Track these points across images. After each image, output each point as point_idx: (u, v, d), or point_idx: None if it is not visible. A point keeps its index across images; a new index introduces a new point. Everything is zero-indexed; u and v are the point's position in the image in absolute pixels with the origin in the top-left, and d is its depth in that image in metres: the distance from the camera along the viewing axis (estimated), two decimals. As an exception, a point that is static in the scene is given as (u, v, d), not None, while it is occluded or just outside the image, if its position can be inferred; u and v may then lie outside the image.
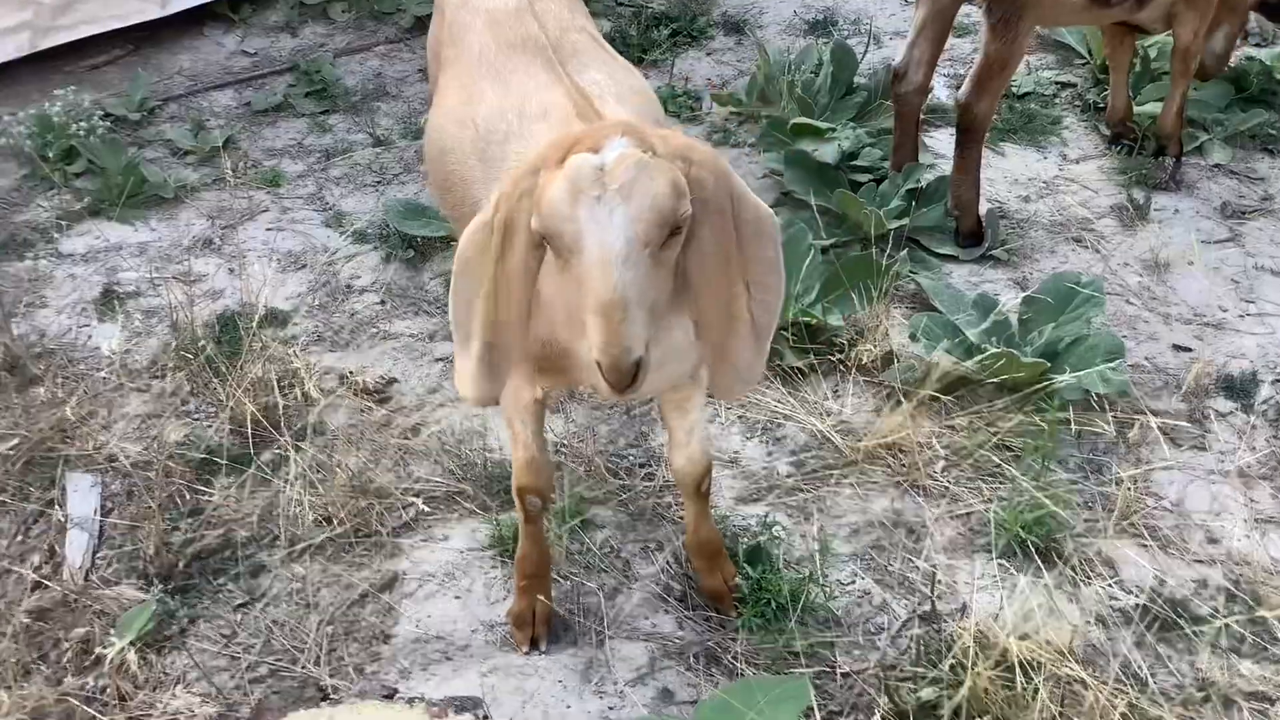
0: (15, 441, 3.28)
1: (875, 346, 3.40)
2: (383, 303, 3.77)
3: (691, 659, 2.66)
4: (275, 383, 3.34)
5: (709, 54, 5.15)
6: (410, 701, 2.18)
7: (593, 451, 3.19)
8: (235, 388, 3.29)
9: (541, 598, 2.67)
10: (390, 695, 2.21)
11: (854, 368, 3.39)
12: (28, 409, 3.37)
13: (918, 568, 2.87)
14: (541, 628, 2.67)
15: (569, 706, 2.55)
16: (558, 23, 2.62)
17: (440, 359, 3.52)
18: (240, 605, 2.83)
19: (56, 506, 3.09)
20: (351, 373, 3.43)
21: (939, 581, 2.82)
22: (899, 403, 3.24)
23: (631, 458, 3.19)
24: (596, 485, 3.08)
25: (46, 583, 2.88)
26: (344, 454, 3.17)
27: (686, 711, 2.53)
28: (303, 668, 2.66)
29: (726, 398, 2.98)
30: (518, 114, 2.38)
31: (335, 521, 2.98)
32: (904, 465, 3.12)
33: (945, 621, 2.72)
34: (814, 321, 3.43)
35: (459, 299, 2.07)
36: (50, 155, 4.37)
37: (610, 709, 2.55)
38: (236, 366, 3.38)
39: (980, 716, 2.43)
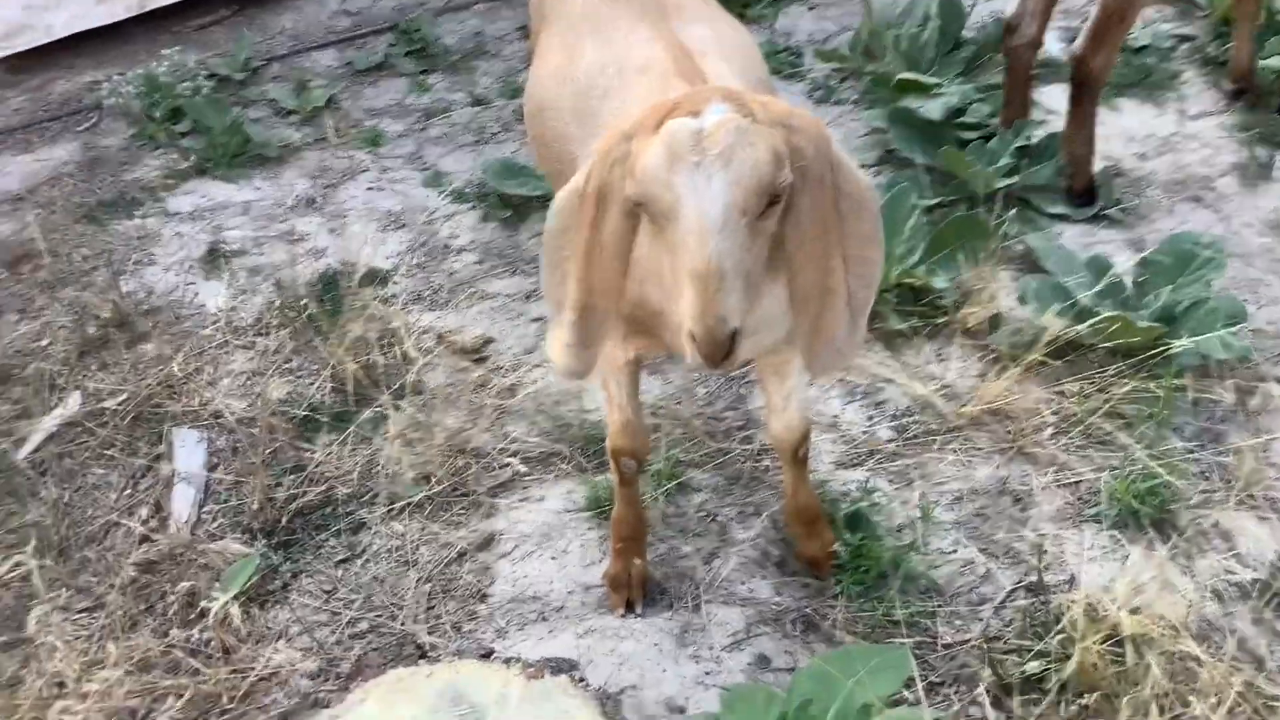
0: (124, 397, 3.36)
1: (981, 309, 3.30)
2: (480, 262, 3.77)
3: (789, 625, 2.62)
4: (375, 342, 3.37)
5: (811, 8, 5.04)
6: (507, 662, 2.18)
7: (690, 413, 3.15)
8: (336, 347, 3.32)
9: (637, 560, 2.65)
10: (487, 655, 2.22)
11: (959, 331, 3.29)
12: (136, 365, 3.45)
13: (1024, 537, 2.79)
14: (637, 591, 2.66)
15: (664, 670, 2.53)
16: None
17: (536, 319, 3.51)
18: (341, 561, 2.86)
19: (163, 461, 3.16)
20: (449, 332, 3.44)
21: (1046, 552, 2.74)
22: (1006, 367, 3.15)
23: (729, 420, 3.15)
24: (694, 448, 3.05)
25: (153, 536, 2.95)
26: (442, 413, 3.18)
27: (783, 679, 2.50)
28: (402, 624, 2.68)
29: (821, 374, 2.89)
30: (617, 69, 2.33)
31: (433, 480, 3.00)
32: (1010, 432, 3.03)
33: (1052, 593, 2.64)
34: (918, 283, 3.35)
35: (551, 269, 2.03)
36: (157, 115, 4.46)
37: (706, 674, 2.53)
38: (338, 325, 3.41)
39: (1088, 692, 2.36)
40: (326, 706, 2.14)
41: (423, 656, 2.24)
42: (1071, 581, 2.67)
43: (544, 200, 3.85)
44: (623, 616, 2.65)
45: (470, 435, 3.13)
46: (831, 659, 2.28)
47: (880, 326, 3.31)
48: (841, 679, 2.21)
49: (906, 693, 2.39)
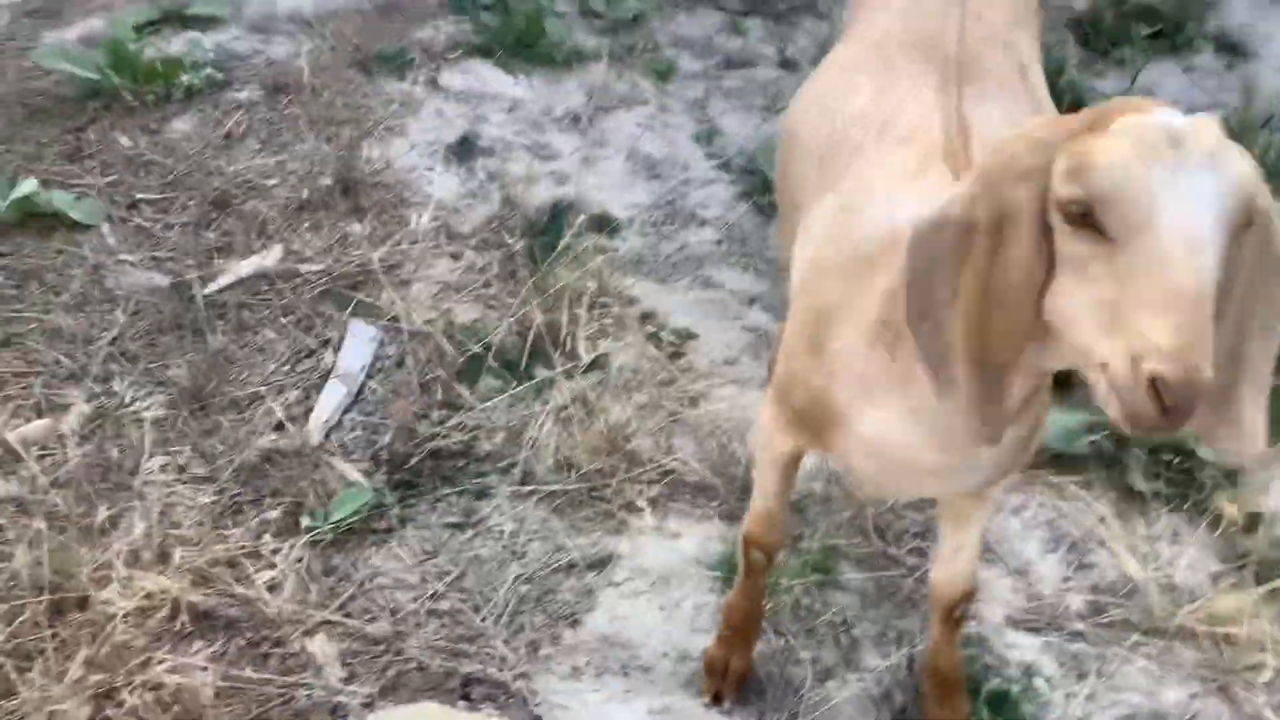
0: (321, 267, 3.25)
1: (1246, 499, 2.79)
2: (719, 243, 3.46)
3: (882, 794, 2.29)
4: (576, 298, 3.12)
5: (1186, 70, 4.39)
6: (547, 739, 1.96)
7: (865, 500, 2.79)
8: (535, 291, 3.10)
9: (741, 655, 2.36)
10: (532, 721, 2.00)
11: (1211, 517, 2.79)
12: (344, 238, 3.33)
13: (1192, 794, 2.35)
14: (731, 685, 2.37)
15: (725, 791, 2.25)
16: (984, 31, 2.13)
17: (750, 329, 3.19)
18: (452, 525, 2.68)
19: (330, 349, 3.04)
20: (655, 314, 3.17)
21: (1212, 821, 2.30)
22: (1249, 582, 2.65)
23: (907, 521, 2.77)
24: (855, 542, 2.70)
25: (288, 426, 2.84)
26: (613, 399, 2.93)
27: None
28: (483, 619, 2.49)
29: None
30: (880, 127, 1.96)
31: (574, 471, 2.76)
32: (1223, 660, 2.55)
33: None
34: (1180, 442, 2.85)
35: (921, 319, 1.59)
36: (466, -21, 4.29)
37: (768, 812, 2.23)
38: (547, 266, 3.19)
39: None
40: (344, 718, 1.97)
41: (465, 698, 2.04)
42: None
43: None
44: (707, 706, 2.37)
45: (633, 433, 2.87)
46: None
47: (1121, 480, 2.84)
48: None
49: None
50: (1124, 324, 1.35)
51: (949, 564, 2.18)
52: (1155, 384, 1.32)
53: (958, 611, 2.24)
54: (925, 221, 1.55)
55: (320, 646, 2.29)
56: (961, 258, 1.51)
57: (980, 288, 1.50)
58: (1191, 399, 1.31)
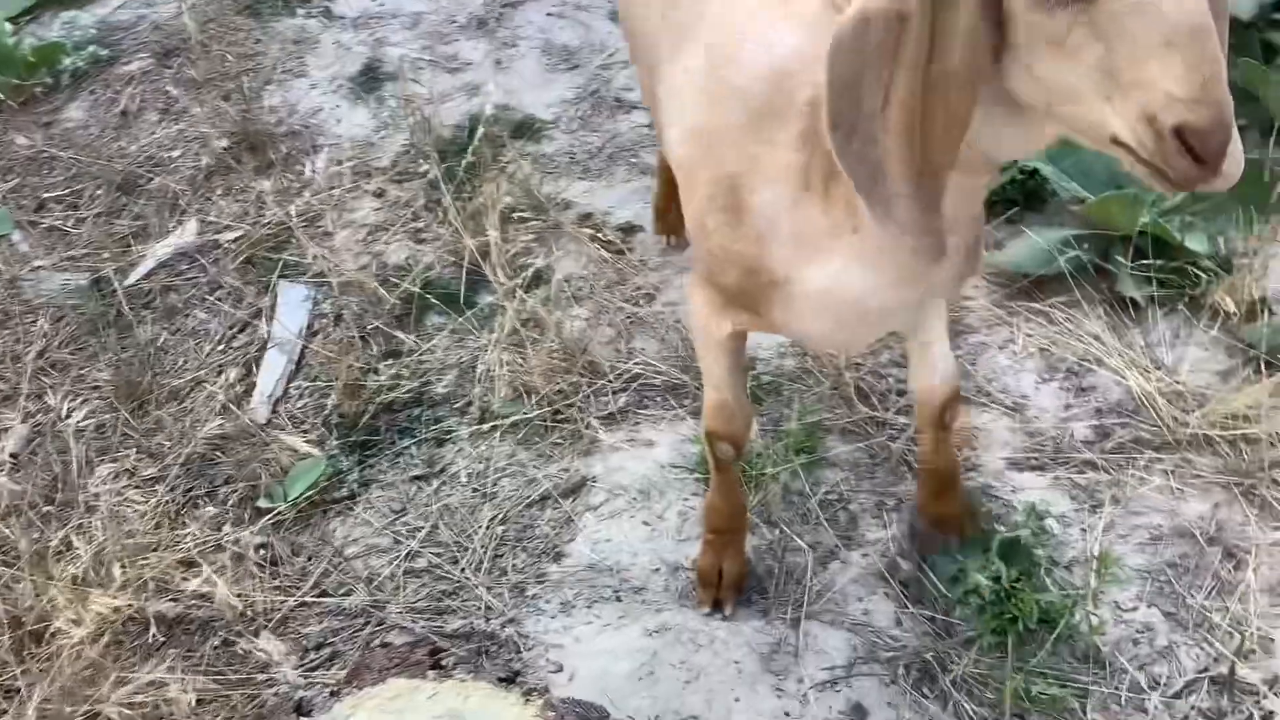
0: (240, 234, 3.08)
1: (1244, 289, 2.60)
2: (650, 125, 3.25)
3: (900, 670, 2.15)
4: (508, 213, 2.94)
5: None
6: (527, 695, 1.83)
7: (845, 362, 2.63)
8: (462, 213, 2.92)
9: (732, 557, 2.22)
10: (510, 679, 1.87)
11: (1210, 313, 2.61)
12: (259, 198, 3.15)
13: (1226, 608, 2.21)
14: (729, 591, 2.23)
15: (737, 699, 2.12)
16: None
17: (698, 209, 3.00)
18: (417, 478, 2.54)
19: (264, 319, 2.88)
20: (593, 215, 2.98)
21: (1250, 634, 2.16)
22: (1259, 371, 2.48)
23: (891, 380, 2.61)
24: (840, 410, 2.54)
25: (232, 408, 2.70)
26: (562, 313, 2.76)
27: (877, 741, 2.06)
28: (462, 571, 2.36)
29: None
30: None
31: (534, 397, 2.61)
32: (1244, 463, 2.39)
33: (1245, 695, 2.08)
34: (1166, 238, 2.66)
35: (847, 136, 1.41)
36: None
37: (786, 714, 2.10)
38: (474, 184, 3.00)
39: None
40: (308, 715, 1.85)
41: (435, 666, 1.92)
42: (1274, 684, 2.09)
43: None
44: (707, 616, 2.24)
45: (589, 344, 2.71)
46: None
47: (1108, 288, 2.66)
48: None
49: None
50: (1126, 84, 1.22)
51: (924, 368, 2.11)
52: (1181, 135, 1.19)
53: (947, 416, 2.16)
54: (843, 29, 1.35)
55: (270, 643, 2.16)
56: (890, 55, 1.34)
57: (916, 82, 1.34)
58: (1224, 137, 1.20)
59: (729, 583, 2.23)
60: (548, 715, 1.80)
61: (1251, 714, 2.04)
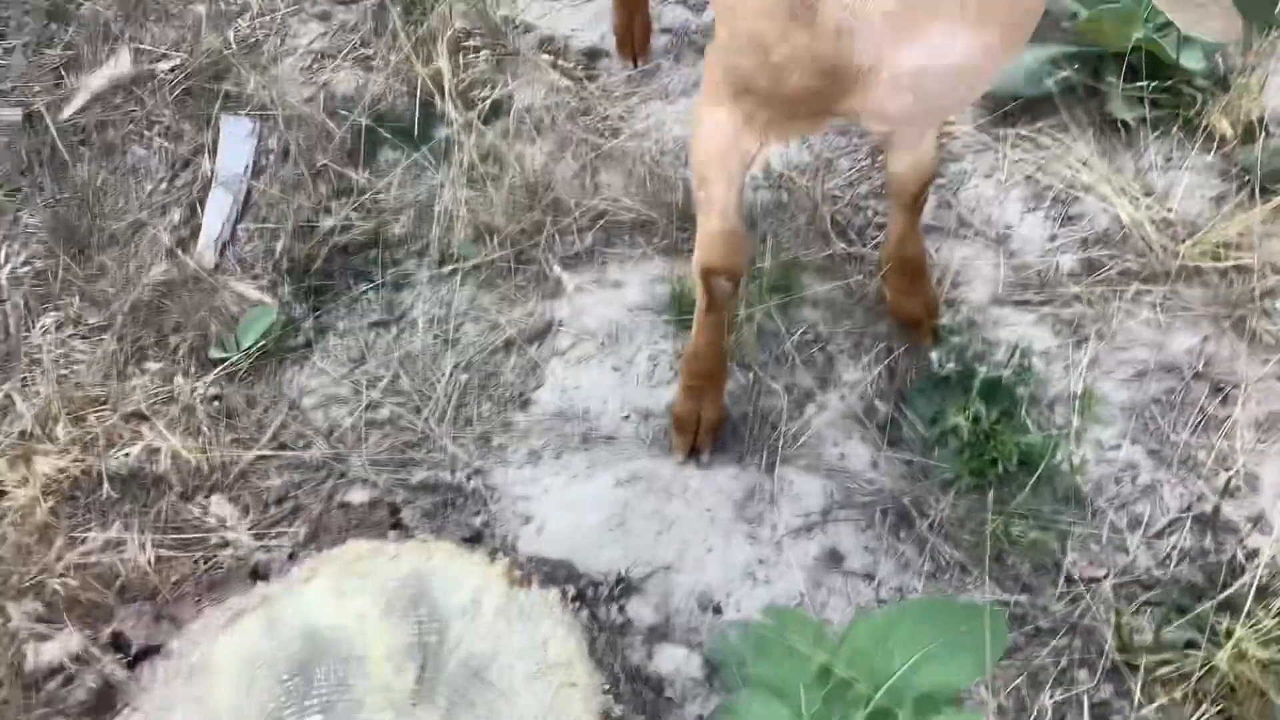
0: (176, 63, 2.88)
1: (1240, 107, 2.47)
2: (614, -62, 3.03)
3: (877, 515, 2.10)
4: (463, 37, 2.75)
5: None
6: (492, 554, 1.76)
7: (822, 194, 2.51)
8: (413, 38, 2.73)
9: (711, 403, 2.14)
10: (474, 538, 1.80)
11: (1205, 135, 2.48)
12: (195, 24, 2.94)
13: (1212, 445, 2.15)
14: (706, 438, 2.16)
15: (710, 550, 2.07)
16: None
17: (665, 29, 2.82)
18: (375, 324, 2.43)
19: (207, 156, 2.71)
20: (553, 39, 2.79)
21: (1237, 471, 2.11)
22: (1253, 197, 2.37)
23: (870, 212, 2.49)
24: (816, 247, 2.43)
25: (179, 253, 2.56)
26: (524, 146, 2.61)
27: (854, 586, 2.02)
28: (425, 421, 2.27)
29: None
30: None
31: (495, 238, 2.48)
32: (1234, 293, 2.30)
33: (1228, 534, 2.04)
34: (1160, 55, 2.51)
35: None
36: None
37: (760, 562, 2.06)
38: (425, 4, 2.80)
39: (1236, 703, 1.82)
40: (265, 578, 1.78)
41: (395, 526, 1.84)
42: (1259, 522, 2.06)
43: None
44: (681, 464, 2.18)
45: (552, 180, 2.57)
46: (905, 612, 1.80)
47: (1098, 110, 2.53)
48: (910, 645, 1.74)
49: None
50: None
51: (909, 153, 2.01)
52: None
53: (922, 198, 2.10)
54: None
55: (222, 506, 2.08)
56: None
57: None
58: None
59: (707, 429, 2.16)
60: (514, 574, 1.74)
61: (1235, 553, 2.01)
